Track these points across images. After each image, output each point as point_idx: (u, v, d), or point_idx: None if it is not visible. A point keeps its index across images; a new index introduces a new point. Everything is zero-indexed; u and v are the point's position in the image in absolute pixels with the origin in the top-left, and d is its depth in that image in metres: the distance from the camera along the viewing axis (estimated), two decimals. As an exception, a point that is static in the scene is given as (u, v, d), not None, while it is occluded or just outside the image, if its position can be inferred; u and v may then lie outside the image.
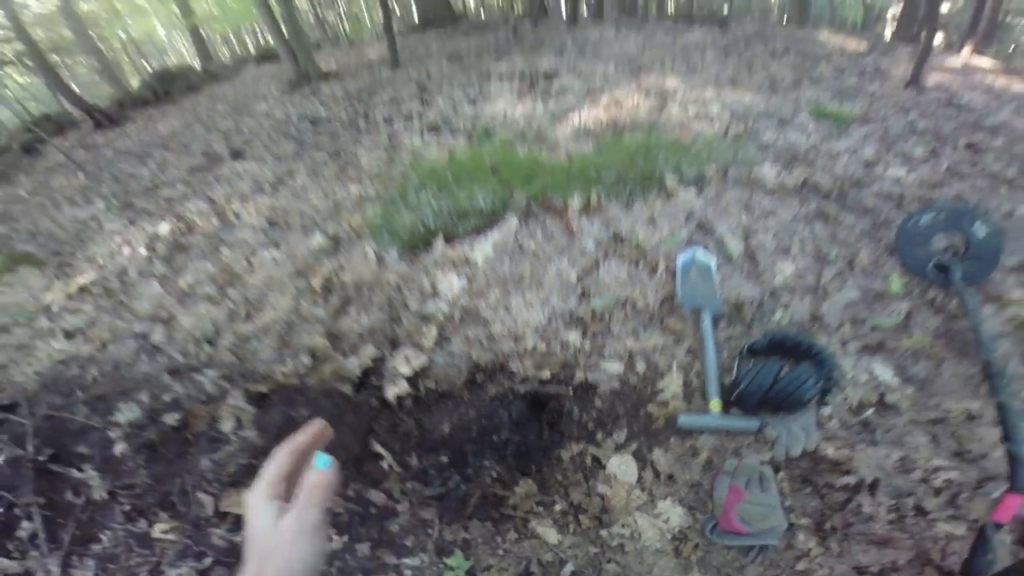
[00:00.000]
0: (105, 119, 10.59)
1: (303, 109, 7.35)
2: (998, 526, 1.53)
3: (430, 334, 2.32)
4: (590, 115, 4.71)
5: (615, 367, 2.14)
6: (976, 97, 6.59)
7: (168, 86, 12.45)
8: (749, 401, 1.89)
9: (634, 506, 1.89)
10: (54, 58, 12.17)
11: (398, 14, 16.05)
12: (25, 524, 2.00)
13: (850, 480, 1.80)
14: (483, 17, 16.37)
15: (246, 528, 0.64)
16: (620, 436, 1.99)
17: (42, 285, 3.76)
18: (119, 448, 2.20)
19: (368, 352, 2.27)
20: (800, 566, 1.73)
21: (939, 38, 14.38)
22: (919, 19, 7.99)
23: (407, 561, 1.88)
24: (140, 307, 3.12)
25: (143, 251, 3.85)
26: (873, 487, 1.78)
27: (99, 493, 2.09)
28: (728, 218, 2.84)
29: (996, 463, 1.79)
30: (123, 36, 22.07)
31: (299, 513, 0.64)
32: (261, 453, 2.07)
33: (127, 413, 2.31)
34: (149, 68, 23.73)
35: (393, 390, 2.11)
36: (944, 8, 15.34)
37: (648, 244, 2.63)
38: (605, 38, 8.55)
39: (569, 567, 1.84)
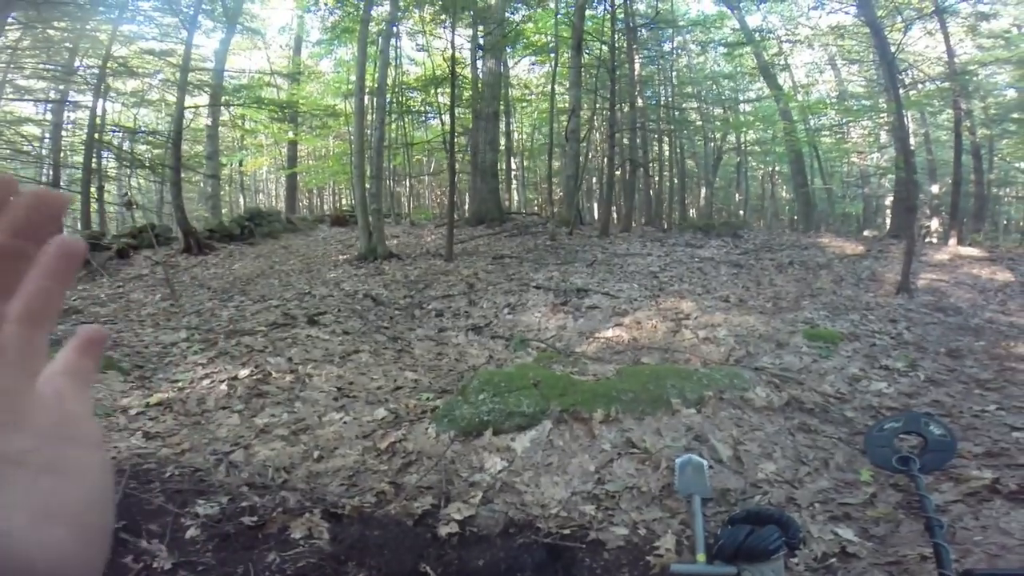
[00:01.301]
0: (196, 244, 11.14)
1: (368, 287, 8.20)
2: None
3: (476, 496, 3.01)
4: (614, 334, 5.61)
5: (621, 531, 2.76)
6: (963, 295, 7.27)
7: (254, 225, 13.39)
8: (726, 553, 2.51)
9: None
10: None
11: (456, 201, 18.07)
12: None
13: (815, 603, 2.26)
14: (524, 211, 18.34)
15: None
16: (623, 579, 2.56)
17: (122, 390, 4.26)
18: (191, 532, 2.58)
19: (427, 500, 2.96)
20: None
21: (935, 223, 15.32)
22: (911, 208, 9.06)
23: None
24: (219, 432, 3.67)
25: (223, 387, 4.37)
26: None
27: (162, 564, 2.38)
28: (721, 432, 3.54)
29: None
30: (234, 167, 23.83)
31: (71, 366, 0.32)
32: (329, 557, 2.53)
33: (205, 508, 2.75)
34: (243, 203, 25.47)
35: (445, 529, 2.77)
36: (935, 189, 16.39)
37: (653, 448, 3.33)
38: (632, 251, 9.72)
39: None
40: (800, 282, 7.69)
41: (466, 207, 17.92)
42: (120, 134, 16.47)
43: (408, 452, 3.48)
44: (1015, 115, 15.58)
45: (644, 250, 9.83)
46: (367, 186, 10.38)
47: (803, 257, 9.25)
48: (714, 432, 3.52)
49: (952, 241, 11.76)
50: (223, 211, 18.61)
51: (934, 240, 13.41)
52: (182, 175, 12.48)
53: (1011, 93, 15.86)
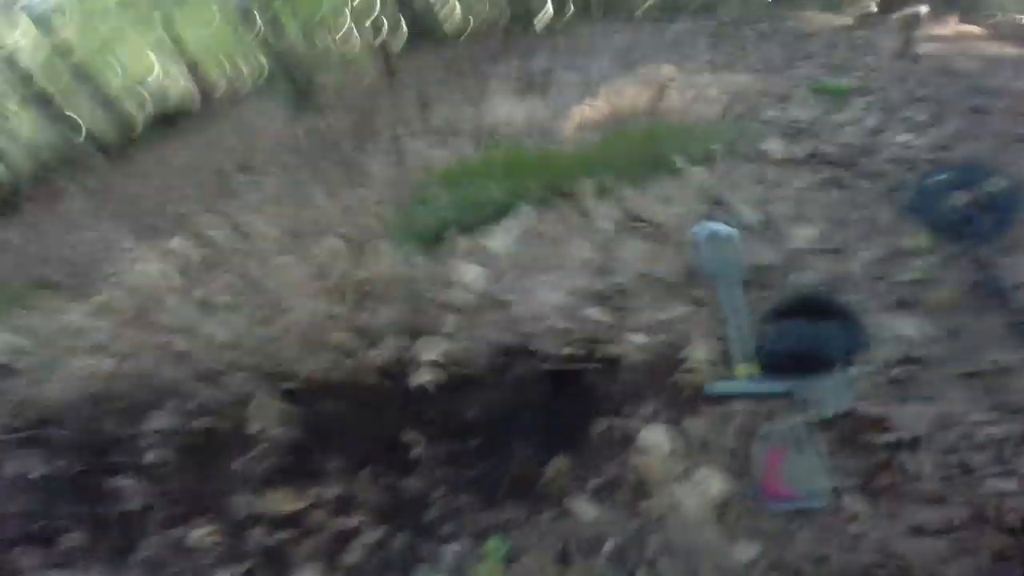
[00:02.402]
0: (116, 150, 10.93)
1: (308, 125, 7.40)
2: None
3: (451, 322, 2.38)
4: (591, 108, 4.80)
5: (639, 339, 2.14)
6: (971, 64, 6.52)
7: (171, 120, 12.94)
8: (775, 364, 1.87)
9: (671, 477, 1.85)
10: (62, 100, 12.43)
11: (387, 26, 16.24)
12: (67, 536, 2.10)
13: (890, 438, 1.76)
14: (472, 25, 16.55)
15: None
16: (648, 408, 1.98)
17: (60, 306, 3.86)
18: (151, 455, 2.32)
19: (391, 343, 2.34)
20: (853, 529, 1.66)
21: (925, 7, 14.38)
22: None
23: (445, 547, 1.86)
24: (160, 319, 3.26)
25: (158, 266, 3.96)
26: (914, 444, 1.74)
27: (135, 503, 2.17)
28: (741, 191, 2.87)
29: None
30: (124, 72, 22.23)
31: None
32: (295, 448, 2.13)
33: (156, 421, 2.44)
34: (151, 103, 24.04)
35: (416, 378, 2.18)
36: (924, -30, 15.36)
37: (664, 220, 2.63)
38: (595, 33, 8.77)
39: (609, 544, 1.79)
40: (788, 47, 6.85)
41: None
42: None
43: (364, 284, 2.86)
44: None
45: (608, 32, 8.82)
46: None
47: (786, 28, 8.25)
48: (733, 193, 2.79)
49: (952, 20, 10.77)
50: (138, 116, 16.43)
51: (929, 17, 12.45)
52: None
53: None
